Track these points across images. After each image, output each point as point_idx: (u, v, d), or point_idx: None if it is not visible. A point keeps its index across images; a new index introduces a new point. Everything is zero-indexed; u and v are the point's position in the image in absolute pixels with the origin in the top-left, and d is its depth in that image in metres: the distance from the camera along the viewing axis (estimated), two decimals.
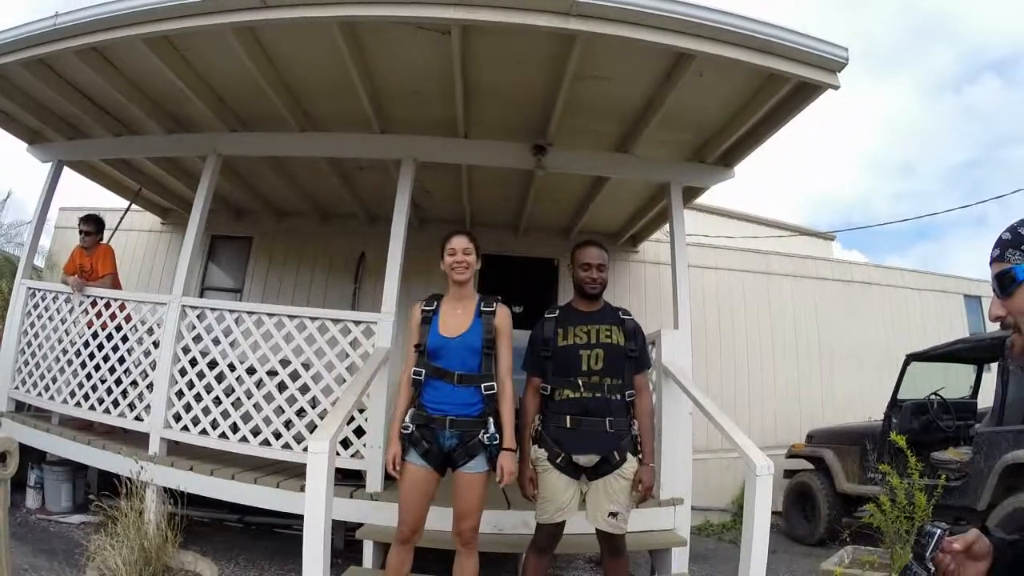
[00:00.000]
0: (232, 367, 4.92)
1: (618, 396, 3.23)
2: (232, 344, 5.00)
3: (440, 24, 3.84)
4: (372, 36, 4.18)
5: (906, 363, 6.80)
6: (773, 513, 7.76)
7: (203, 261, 8.56)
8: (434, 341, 3.12)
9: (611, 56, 4.17)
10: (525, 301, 8.33)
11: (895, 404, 6.64)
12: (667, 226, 5.77)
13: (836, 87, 4.13)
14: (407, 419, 3.08)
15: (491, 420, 3.08)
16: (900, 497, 4.38)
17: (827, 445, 7.29)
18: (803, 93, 4.37)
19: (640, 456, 3.24)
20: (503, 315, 3.22)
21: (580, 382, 3.19)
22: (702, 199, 7.18)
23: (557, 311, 3.42)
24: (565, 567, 5.26)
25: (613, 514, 3.16)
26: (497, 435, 3.07)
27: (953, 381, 7.16)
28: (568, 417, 3.18)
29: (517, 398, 3.29)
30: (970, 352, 6.63)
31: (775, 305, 9.41)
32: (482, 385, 3.10)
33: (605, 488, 3.17)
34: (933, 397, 6.63)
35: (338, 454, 4.34)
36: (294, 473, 4.51)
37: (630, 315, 3.43)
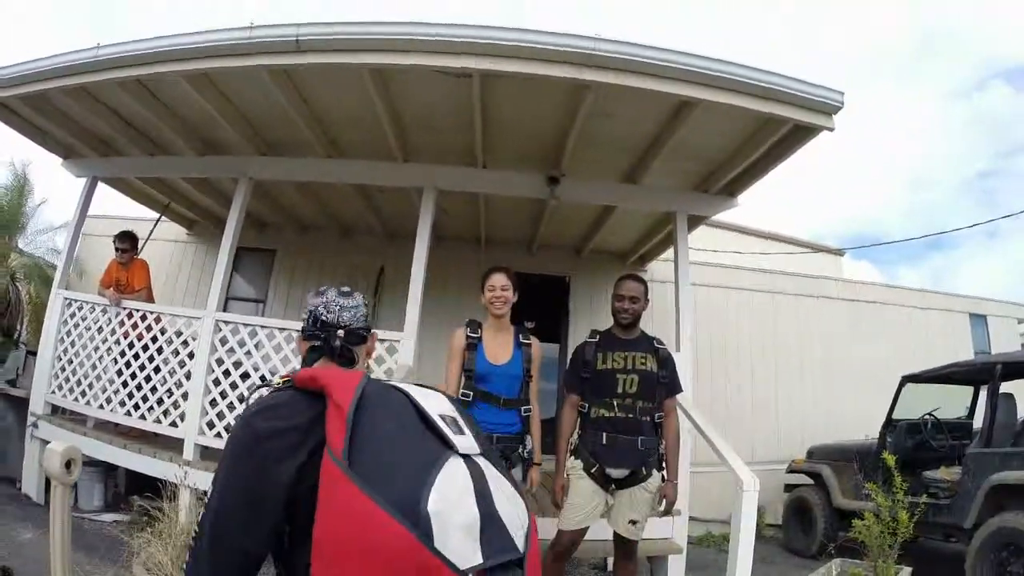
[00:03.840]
0: (263, 379, 5.23)
1: (648, 418, 3.56)
2: (264, 357, 5.32)
3: (464, 72, 4.18)
4: (398, 77, 4.51)
5: (901, 384, 6.96)
6: (773, 526, 7.92)
7: (228, 272, 8.82)
8: (483, 367, 3.50)
9: (622, 98, 4.45)
10: (537, 317, 8.59)
11: (889, 423, 6.83)
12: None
13: (831, 129, 4.39)
14: None
15: (528, 437, 3.51)
16: (884, 514, 4.65)
17: (825, 461, 7.47)
18: (800, 133, 4.63)
19: (664, 472, 3.58)
20: (537, 347, 3.64)
21: (615, 403, 3.53)
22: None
23: (598, 336, 3.76)
24: (571, 571, 5.54)
25: (633, 522, 3.51)
26: (532, 451, 3.50)
27: (958, 401, 7.31)
28: (604, 434, 3.51)
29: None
30: (963, 375, 6.80)
31: (780, 323, 9.58)
32: (521, 408, 3.51)
33: (630, 498, 3.51)
34: (927, 417, 6.81)
35: None
36: None
37: (664, 345, 3.77)
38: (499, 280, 3.59)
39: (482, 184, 5.87)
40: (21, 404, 6.45)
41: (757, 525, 8.15)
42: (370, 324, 1.65)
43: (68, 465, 3.20)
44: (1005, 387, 5.95)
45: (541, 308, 8.43)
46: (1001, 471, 5.27)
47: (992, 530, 5.11)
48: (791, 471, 7.95)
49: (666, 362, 3.69)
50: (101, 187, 7.06)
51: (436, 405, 1.25)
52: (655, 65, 4.04)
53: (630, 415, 3.52)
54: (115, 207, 9.08)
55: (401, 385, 1.31)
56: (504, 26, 3.98)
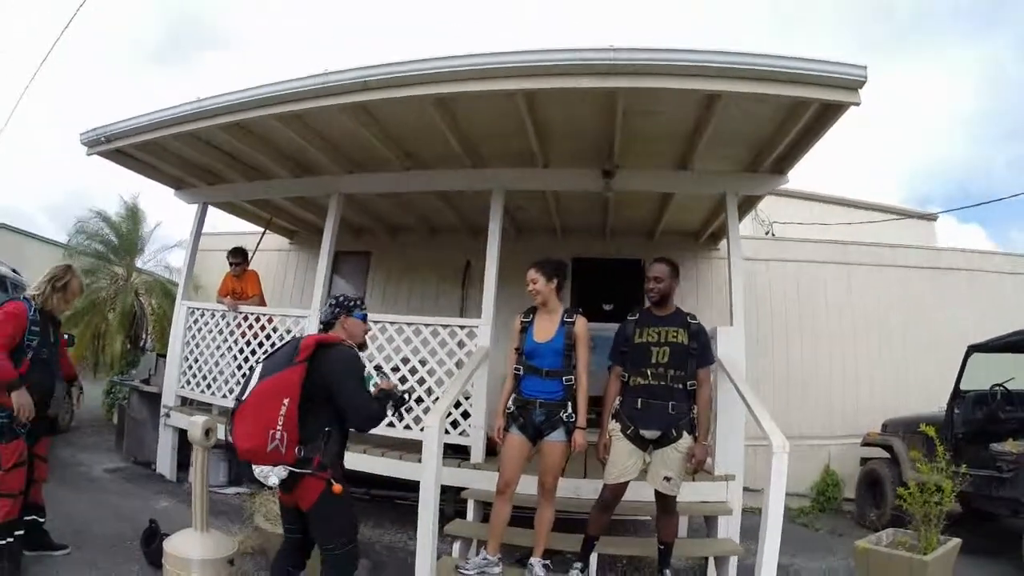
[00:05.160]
0: None
1: (680, 385, 4.07)
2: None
3: (506, 94, 4.81)
4: (455, 99, 5.10)
5: (967, 354, 6.71)
6: (851, 500, 7.85)
7: (329, 275, 9.70)
8: (529, 345, 4.14)
9: (652, 97, 4.84)
10: (615, 300, 8.91)
11: (957, 395, 6.61)
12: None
13: (857, 104, 4.51)
14: (510, 402, 4.17)
15: (570, 404, 4.06)
16: (930, 483, 4.67)
17: (898, 434, 7.38)
18: (831, 110, 4.81)
19: (696, 435, 4.06)
20: (581, 325, 4.16)
21: (649, 372, 4.07)
22: (797, 185, 7.60)
23: (637, 314, 4.30)
24: (637, 531, 5.94)
25: (667, 478, 4.03)
26: (574, 415, 4.04)
27: None
28: (639, 400, 4.06)
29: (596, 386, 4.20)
30: None
31: (856, 295, 9.44)
32: (563, 378, 4.08)
33: (663, 458, 4.04)
34: (996, 388, 6.47)
35: (448, 432, 5.33)
36: (413, 449, 5.36)
37: (696, 319, 4.22)
38: (529, 275, 4.21)
39: (544, 182, 6.45)
40: (154, 399, 7.54)
41: (834, 498, 8.23)
42: (337, 314, 3.41)
43: (207, 433, 4.06)
44: None
45: (619, 291, 8.81)
46: None
47: None
48: (865, 444, 7.94)
49: (697, 335, 4.14)
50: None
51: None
52: (670, 66, 4.44)
53: (663, 382, 4.03)
54: (223, 223, 10.22)
55: (285, 341, 3.47)
56: (532, 49, 4.53)
